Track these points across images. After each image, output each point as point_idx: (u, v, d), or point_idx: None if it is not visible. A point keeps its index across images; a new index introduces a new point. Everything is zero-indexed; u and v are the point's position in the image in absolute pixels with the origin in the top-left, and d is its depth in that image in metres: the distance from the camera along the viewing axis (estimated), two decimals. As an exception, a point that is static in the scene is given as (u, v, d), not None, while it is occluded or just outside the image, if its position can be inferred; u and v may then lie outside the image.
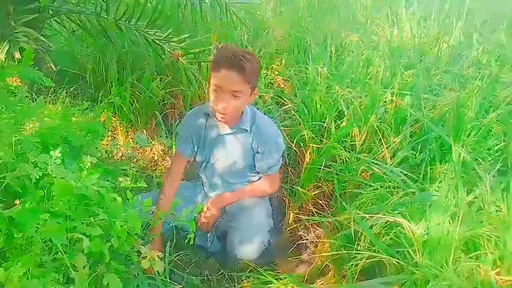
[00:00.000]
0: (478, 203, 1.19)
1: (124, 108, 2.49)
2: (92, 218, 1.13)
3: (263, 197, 1.80)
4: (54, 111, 1.39)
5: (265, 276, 1.59)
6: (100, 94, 2.54)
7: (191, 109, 1.81)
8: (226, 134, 1.66)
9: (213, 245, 1.83)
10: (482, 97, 1.76)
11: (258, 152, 1.66)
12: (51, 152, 1.07)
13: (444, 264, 1.13)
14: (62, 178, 1.09)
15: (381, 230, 1.27)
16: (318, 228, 1.96)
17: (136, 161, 2.44)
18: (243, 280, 1.71)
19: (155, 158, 2.51)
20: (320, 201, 1.88)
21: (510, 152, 1.45)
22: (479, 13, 3.27)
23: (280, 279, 1.62)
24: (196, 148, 1.73)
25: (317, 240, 1.85)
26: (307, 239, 1.88)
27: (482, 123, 1.66)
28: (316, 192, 1.87)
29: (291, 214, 1.92)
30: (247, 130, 1.63)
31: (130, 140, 2.56)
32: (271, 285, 1.58)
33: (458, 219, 1.16)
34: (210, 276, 1.75)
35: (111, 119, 2.42)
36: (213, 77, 1.49)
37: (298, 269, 1.83)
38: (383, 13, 3.20)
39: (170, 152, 2.50)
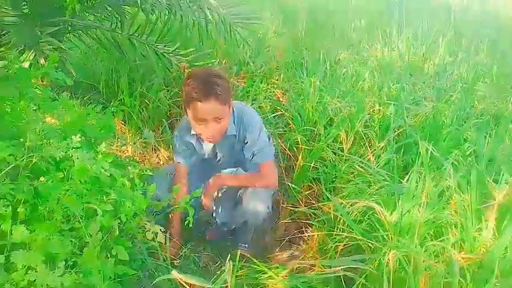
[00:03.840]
0: (442, 192, 1.34)
1: (134, 116, 2.69)
2: (104, 197, 1.31)
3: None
4: (73, 107, 1.59)
5: (259, 265, 1.73)
6: (112, 104, 2.74)
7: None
8: (219, 143, 1.78)
9: (219, 216, 1.89)
10: (459, 107, 1.94)
11: (246, 143, 1.74)
12: (73, 137, 1.26)
13: (412, 244, 1.28)
14: (81, 161, 1.28)
15: (358, 216, 1.43)
16: (310, 227, 2.11)
17: (143, 165, 2.62)
18: (237, 270, 1.86)
19: (161, 163, 2.69)
20: (312, 202, 2.04)
21: (478, 155, 1.62)
22: (466, 35, 3.51)
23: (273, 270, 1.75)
24: (193, 157, 1.88)
25: (308, 236, 1.99)
26: (299, 236, 2.03)
27: (457, 130, 1.83)
28: (308, 192, 2.03)
29: (285, 211, 2.08)
30: (235, 135, 1.74)
31: (138, 145, 2.75)
32: (265, 274, 1.72)
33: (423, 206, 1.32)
34: (208, 266, 1.90)
35: (121, 116, 2.61)
36: (192, 111, 1.55)
37: (290, 263, 1.97)
38: (375, 34, 3.44)
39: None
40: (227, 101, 1.56)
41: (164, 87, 2.82)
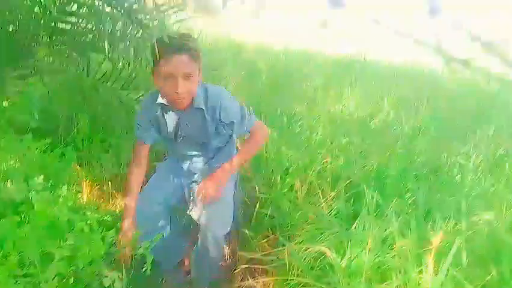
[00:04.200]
0: (386, 238, 1.47)
1: (92, 163, 2.68)
2: (61, 242, 1.31)
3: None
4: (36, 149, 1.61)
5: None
6: (68, 147, 2.72)
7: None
8: (185, 116, 1.75)
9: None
10: (401, 160, 2.15)
11: (222, 122, 1.75)
12: (35, 178, 1.28)
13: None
14: (41, 205, 1.29)
15: (311, 262, 1.51)
16: (266, 275, 2.14)
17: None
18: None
19: (117, 211, 2.65)
20: (269, 249, 2.09)
21: (418, 204, 1.78)
22: (407, 96, 3.93)
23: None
24: (156, 135, 1.86)
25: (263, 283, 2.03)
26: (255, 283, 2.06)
27: (399, 181, 2.01)
28: (265, 240, 2.09)
29: (242, 259, 2.11)
30: (202, 109, 1.70)
31: (94, 193, 2.71)
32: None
33: (369, 251, 1.43)
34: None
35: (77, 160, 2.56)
36: (162, 65, 1.53)
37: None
38: (330, 92, 3.76)
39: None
40: (197, 60, 1.57)
41: (125, 133, 2.85)
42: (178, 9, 2.37)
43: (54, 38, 2.55)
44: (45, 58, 2.60)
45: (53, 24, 2.47)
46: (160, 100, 1.71)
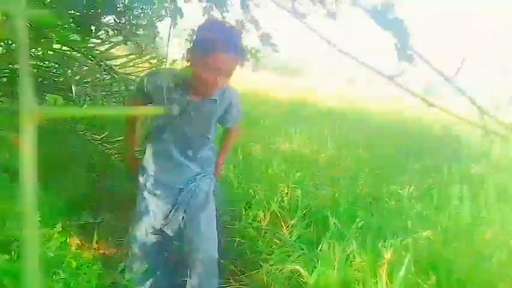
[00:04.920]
0: (348, 256, 1.71)
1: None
2: (54, 276, 1.37)
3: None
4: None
5: None
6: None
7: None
8: (196, 103, 1.63)
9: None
10: (348, 191, 2.46)
11: (224, 112, 1.72)
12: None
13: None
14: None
15: (285, 281, 1.69)
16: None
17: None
18: None
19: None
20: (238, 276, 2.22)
21: (370, 227, 2.07)
22: (346, 136, 4.41)
23: None
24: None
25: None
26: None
27: (350, 209, 2.30)
28: (232, 267, 2.23)
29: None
30: (216, 100, 1.64)
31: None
32: None
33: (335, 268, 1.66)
34: None
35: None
36: (213, 58, 1.44)
37: None
38: (278, 131, 4.11)
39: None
40: (241, 59, 1.53)
41: (86, 174, 2.86)
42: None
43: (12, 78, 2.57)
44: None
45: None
46: (179, 79, 1.60)
